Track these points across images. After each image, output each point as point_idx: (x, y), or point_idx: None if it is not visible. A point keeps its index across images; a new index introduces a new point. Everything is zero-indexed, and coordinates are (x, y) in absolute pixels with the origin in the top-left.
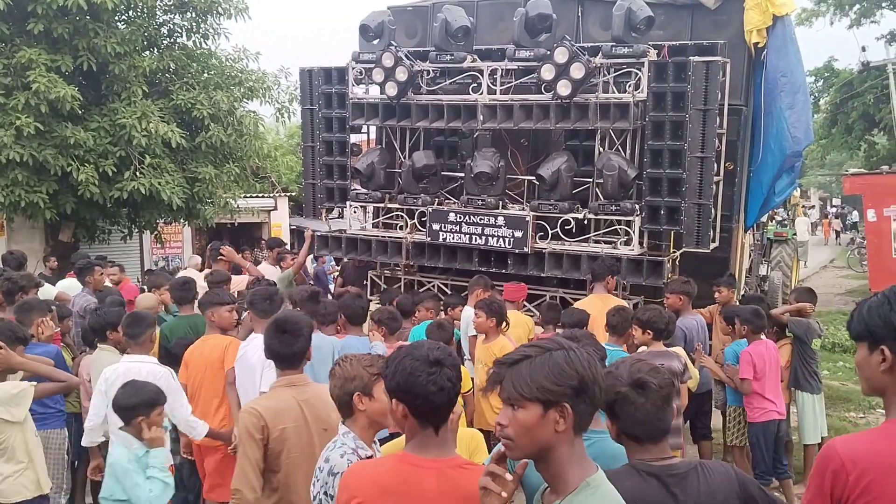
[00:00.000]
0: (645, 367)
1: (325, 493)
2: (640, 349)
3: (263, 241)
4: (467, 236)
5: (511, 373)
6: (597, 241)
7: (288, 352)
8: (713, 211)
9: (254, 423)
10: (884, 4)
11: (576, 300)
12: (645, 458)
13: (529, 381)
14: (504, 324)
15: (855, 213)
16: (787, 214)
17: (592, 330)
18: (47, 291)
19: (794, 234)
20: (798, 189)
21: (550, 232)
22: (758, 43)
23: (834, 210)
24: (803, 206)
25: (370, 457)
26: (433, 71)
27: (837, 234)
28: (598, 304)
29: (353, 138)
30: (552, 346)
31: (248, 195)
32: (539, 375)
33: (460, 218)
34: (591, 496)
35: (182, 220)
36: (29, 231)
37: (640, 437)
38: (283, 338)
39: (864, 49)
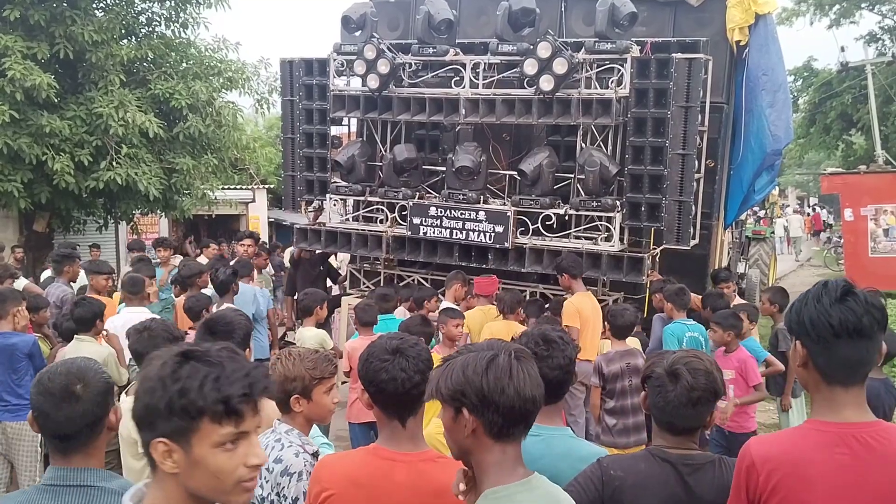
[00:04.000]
0: (696, 364)
1: (278, 494)
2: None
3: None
4: (448, 231)
5: (434, 373)
6: (577, 237)
7: None
8: (693, 208)
9: None
10: (863, 5)
11: (556, 296)
12: (662, 444)
13: (435, 384)
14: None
15: (808, 210)
16: (766, 213)
17: (586, 330)
18: (18, 283)
19: (773, 233)
20: (776, 188)
21: (531, 227)
22: (740, 41)
23: (810, 210)
24: (782, 205)
25: (315, 452)
26: (415, 64)
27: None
28: (588, 304)
29: (334, 130)
30: (472, 350)
31: (226, 187)
32: (442, 379)
33: (441, 212)
34: None
35: (159, 212)
36: (3, 220)
37: (659, 421)
38: (213, 340)
39: (843, 49)
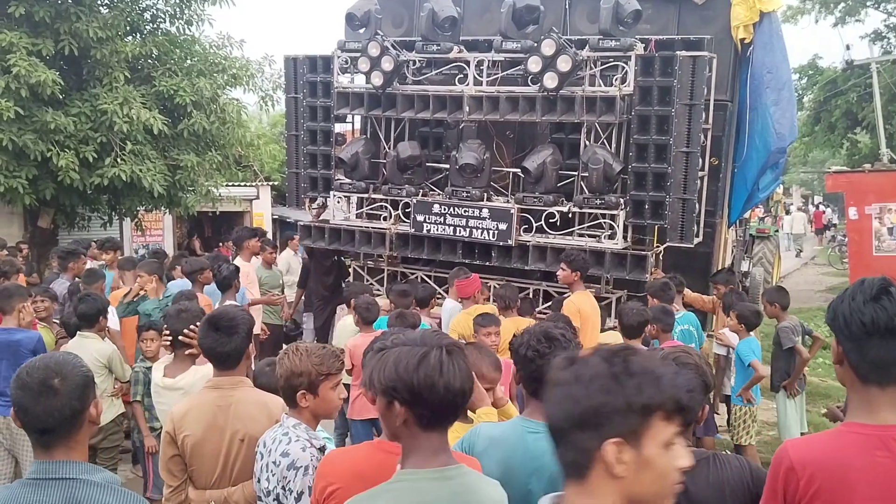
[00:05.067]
0: (685, 359)
1: (284, 488)
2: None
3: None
4: (451, 228)
5: (369, 362)
6: (581, 235)
7: (222, 351)
8: (697, 206)
9: (167, 424)
10: (868, 3)
11: (559, 293)
12: None
13: (368, 376)
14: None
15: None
16: (770, 211)
17: (586, 329)
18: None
19: (777, 231)
20: (781, 186)
21: (535, 225)
22: (744, 39)
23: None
24: (785, 203)
25: (322, 447)
26: (419, 61)
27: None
28: (588, 302)
29: (338, 128)
30: (406, 344)
31: (230, 184)
32: (376, 372)
33: (445, 209)
34: (386, 487)
35: (163, 208)
36: (8, 217)
37: None
38: (216, 336)
39: (848, 47)
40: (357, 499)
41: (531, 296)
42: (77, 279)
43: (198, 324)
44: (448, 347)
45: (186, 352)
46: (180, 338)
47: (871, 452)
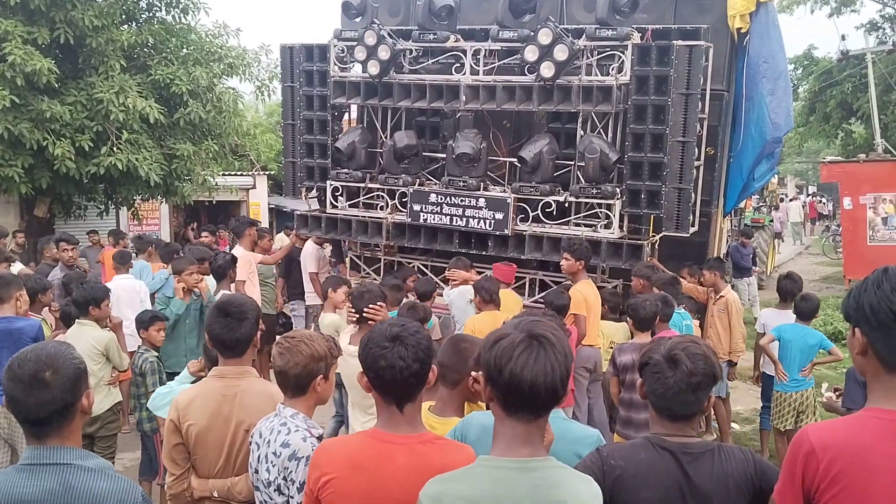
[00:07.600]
0: (694, 349)
1: (286, 479)
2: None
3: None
4: (448, 217)
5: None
6: (577, 224)
7: (231, 337)
8: (693, 195)
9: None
10: None
11: (556, 283)
12: (661, 432)
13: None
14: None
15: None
16: (766, 201)
17: (589, 317)
18: (14, 267)
19: (772, 221)
20: (776, 176)
21: (531, 214)
22: (741, 28)
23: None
24: (780, 195)
25: (321, 435)
26: (416, 50)
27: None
28: (592, 291)
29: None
30: (506, 326)
31: (226, 173)
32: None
33: (441, 199)
34: (464, 472)
35: (159, 197)
36: (3, 206)
37: (657, 408)
38: (226, 322)
39: (843, 38)
40: (437, 479)
41: (527, 285)
42: (71, 267)
43: (380, 303)
44: (535, 336)
45: (369, 323)
46: (364, 313)
47: (893, 438)
